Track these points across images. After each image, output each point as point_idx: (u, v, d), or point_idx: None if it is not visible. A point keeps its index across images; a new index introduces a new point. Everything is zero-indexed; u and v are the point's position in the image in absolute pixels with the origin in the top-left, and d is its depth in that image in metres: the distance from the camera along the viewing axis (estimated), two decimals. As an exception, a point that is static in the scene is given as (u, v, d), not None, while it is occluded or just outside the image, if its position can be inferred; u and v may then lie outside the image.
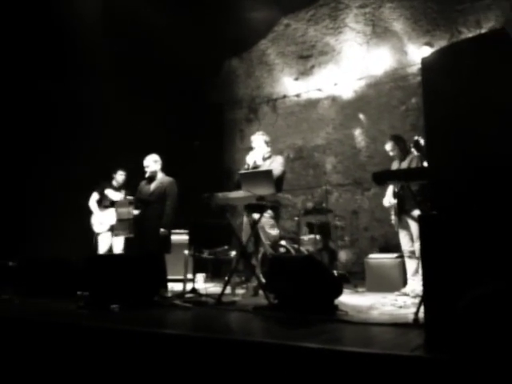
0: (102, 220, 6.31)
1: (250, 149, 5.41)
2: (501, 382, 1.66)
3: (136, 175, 5.65)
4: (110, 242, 6.32)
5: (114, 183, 6.46)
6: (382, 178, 3.54)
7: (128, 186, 6.36)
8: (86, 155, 7.19)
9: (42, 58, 7.04)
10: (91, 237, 6.35)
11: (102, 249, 6.28)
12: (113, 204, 6.11)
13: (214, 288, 5.63)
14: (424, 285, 2.39)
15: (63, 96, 7.27)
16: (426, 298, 2.38)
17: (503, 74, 2.31)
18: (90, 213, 6.36)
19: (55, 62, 7.12)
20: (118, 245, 6.31)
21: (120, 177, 6.45)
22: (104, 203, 6.34)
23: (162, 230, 5.19)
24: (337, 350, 2.16)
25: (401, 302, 4.19)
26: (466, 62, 2.44)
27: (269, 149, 5.30)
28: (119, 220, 5.48)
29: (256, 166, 5.13)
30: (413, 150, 4.38)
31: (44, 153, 7.16)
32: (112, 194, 6.33)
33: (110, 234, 6.27)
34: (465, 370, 1.77)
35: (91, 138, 7.30)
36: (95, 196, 6.39)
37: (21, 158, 6.97)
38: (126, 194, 6.16)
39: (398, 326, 2.90)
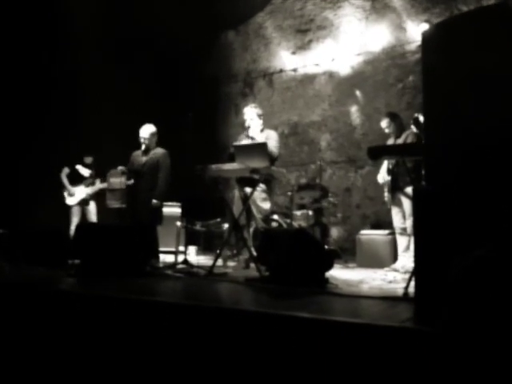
0: (73, 193, 6.54)
1: (244, 123, 5.34)
2: (487, 353, 1.68)
3: (130, 146, 5.60)
4: (81, 215, 6.58)
5: (85, 161, 6.71)
6: (377, 153, 3.51)
7: (96, 166, 6.71)
8: (79, 127, 7.13)
9: (34, 37, 6.96)
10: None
11: (73, 221, 6.48)
12: (97, 176, 6.42)
13: (205, 260, 5.65)
14: (415, 257, 2.40)
15: (58, 70, 7.19)
16: (417, 271, 2.39)
17: (504, 49, 2.28)
18: (61, 186, 6.60)
19: (47, 39, 7.04)
20: (92, 217, 6.58)
21: (88, 160, 6.72)
22: (77, 178, 6.61)
23: (154, 201, 5.16)
24: (326, 320, 2.18)
25: (391, 277, 4.23)
26: (467, 35, 2.40)
27: (261, 121, 5.25)
28: (111, 190, 5.46)
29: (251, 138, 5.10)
30: (412, 126, 4.37)
31: (37, 127, 7.12)
32: (82, 170, 6.62)
33: (79, 207, 6.57)
34: (453, 342, 1.78)
35: (85, 108, 7.23)
36: (66, 170, 6.64)
37: (13, 133, 6.92)
38: (95, 172, 6.61)
39: (388, 299, 2.93)
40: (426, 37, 2.63)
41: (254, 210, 4.98)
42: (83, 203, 6.55)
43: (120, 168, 5.36)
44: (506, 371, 1.56)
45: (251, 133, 5.11)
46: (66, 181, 6.57)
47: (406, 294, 2.98)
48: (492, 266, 1.56)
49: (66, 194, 6.57)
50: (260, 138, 5.06)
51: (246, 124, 5.20)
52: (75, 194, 6.53)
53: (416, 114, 4.12)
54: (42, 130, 7.16)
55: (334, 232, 7.68)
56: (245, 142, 5.10)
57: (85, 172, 6.60)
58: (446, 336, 1.78)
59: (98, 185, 6.54)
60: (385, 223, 6.44)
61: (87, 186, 6.56)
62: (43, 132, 7.15)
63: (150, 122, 5.49)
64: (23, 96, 7.02)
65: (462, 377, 1.68)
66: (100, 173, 6.51)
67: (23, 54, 6.97)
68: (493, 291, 1.53)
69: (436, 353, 1.84)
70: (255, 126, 5.15)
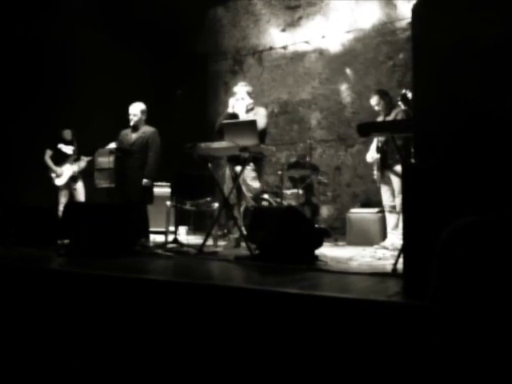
0: (60, 173, 6.51)
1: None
2: (476, 324, 1.70)
3: (119, 123, 5.54)
4: (69, 196, 6.58)
5: (65, 136, 6.69)
6: (367, 129, 3.51)
7: (77, 141, 6.71)
8: (68, 105, 7.03)
9: (24, 7, 6.82)
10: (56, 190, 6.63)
11: (62, 202, 6.49)
12: (92, 152, 6.21)
13: (196, 240, 5.65)
14: (404, 233, 2.41)
15: (47, 45, 7.06)
16: (406, 247, 2.40)
17: (500, 17, 2.23)
18: (47, 168, 6.58)
19: (39, 10, 6.90)
20: (80, 198, 6.59)
21: (67, 135, 6.70)
22: (61, 157, 6.60)
23: (145, 180, 5.13)
24: (315, 295, 2.19)
25: (380, 254, 4.27)
26: (456, 5, 2.38)
27: (252, 100, 5.19)
28: (99, 169, 5.41)
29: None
30: (400, 103, 4.34)
31: (25, 103, 6.99)
32: (65, 148, 6.59)
33: (67, 188, 6.57)
34: (441, 314, 1.80)
35: (73, 85, 7.11)
36: (49, 153, 6.60)
37: (6, 108, 6.80)
38: (77, 147, 6.60)
39: (377, 275, 2.95)
40: (417, 8, 2.60)
41: (245, 189, 4.96)
42: (72, 181, 6.52)
43: (108, 147, 5.31)
44: (496, 343, 1.58)
45: (237, 110, 5.05)
46: (50, 163, 6.53)
47: (394, 270, 3.00)
48: (486, 231, 1.55)
49: (53, 175, 6.53)
50: (246, 117, 5.00)
51: (234, 102, 5.12)
52: (63, 174, 6.49)
53: (404, 91, 4.10)
54: (32, 104, 7.01)
55: (324, 211, 7.71)
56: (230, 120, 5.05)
57: (67, 149, 6.57)
58: (434, 308, 1.80)
59: (84, 159, 6.51)
60: (374, 201, 6.47)
61: (72, 162, 6.52)
62: (33, 106, 7.00)
63: (138, 99, 5.42)
64: (11, 69, 6.87)
65: (450, 349, 1.70)
66: (84, 147, 6.48)
67: (12, 24, 6.80)
68: (483, 256, 1.53)
69: (423, 325, 1.86)
70: (246, 104, 5.08)
